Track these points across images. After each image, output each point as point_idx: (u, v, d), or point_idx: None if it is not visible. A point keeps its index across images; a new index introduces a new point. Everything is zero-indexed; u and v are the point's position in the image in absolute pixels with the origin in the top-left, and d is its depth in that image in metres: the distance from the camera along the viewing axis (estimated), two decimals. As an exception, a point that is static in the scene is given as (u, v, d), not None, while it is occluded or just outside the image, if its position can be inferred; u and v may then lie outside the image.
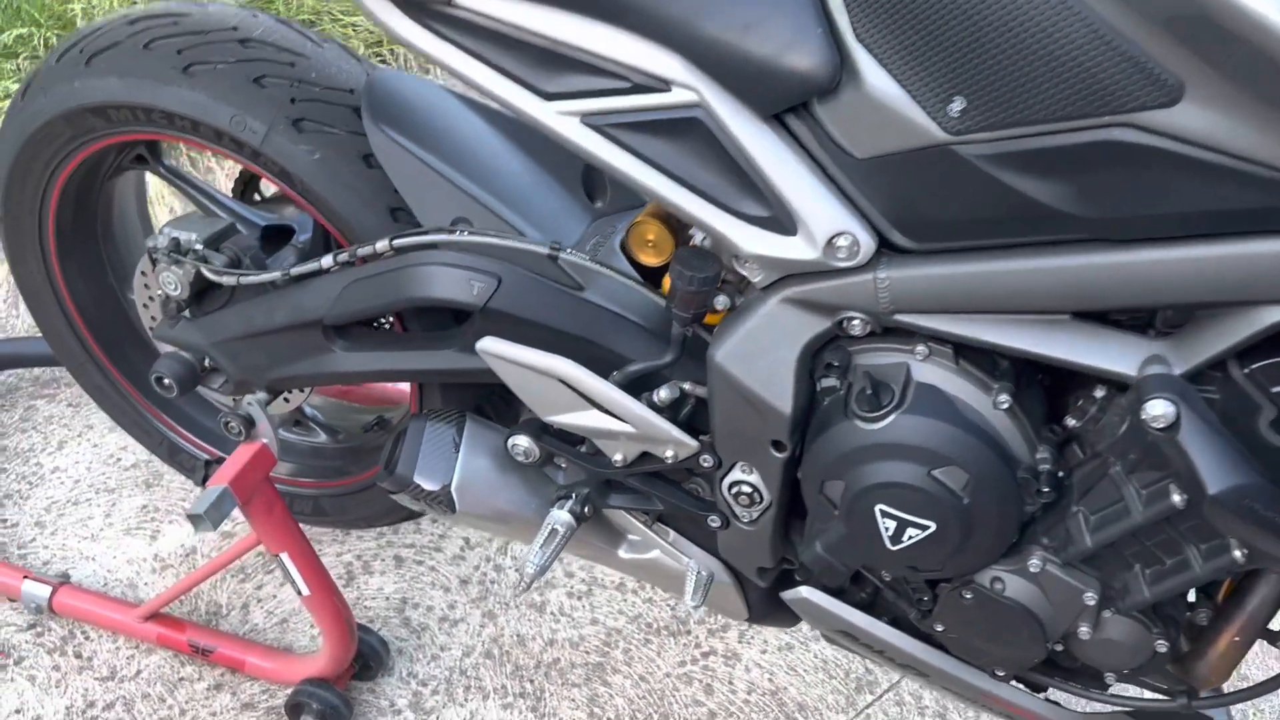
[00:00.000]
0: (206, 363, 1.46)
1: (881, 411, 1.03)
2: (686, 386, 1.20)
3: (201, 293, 1.45)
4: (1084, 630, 1.08)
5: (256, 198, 1.58)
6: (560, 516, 1.28)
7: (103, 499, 1.96)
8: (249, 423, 1.44)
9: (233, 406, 1.45)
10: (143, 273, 1.53)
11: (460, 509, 1.31)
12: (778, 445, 1.11)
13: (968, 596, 1.13)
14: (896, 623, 1.26)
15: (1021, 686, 1.25)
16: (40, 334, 1.76)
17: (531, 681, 1.73)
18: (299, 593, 1.50)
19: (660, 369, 1.19)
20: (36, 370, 2.21)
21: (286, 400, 1.56)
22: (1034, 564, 1.07)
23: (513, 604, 1.84)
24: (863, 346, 1.05)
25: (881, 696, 1.75)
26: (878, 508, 1.06)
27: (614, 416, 1.19)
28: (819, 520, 1.12)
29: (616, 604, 1.85)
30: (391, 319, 1.45)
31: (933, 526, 1.05)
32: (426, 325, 1.39)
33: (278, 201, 1.52)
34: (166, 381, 1.44)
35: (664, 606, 1.84)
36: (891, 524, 1.06)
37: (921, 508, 1.04)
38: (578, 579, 1.88)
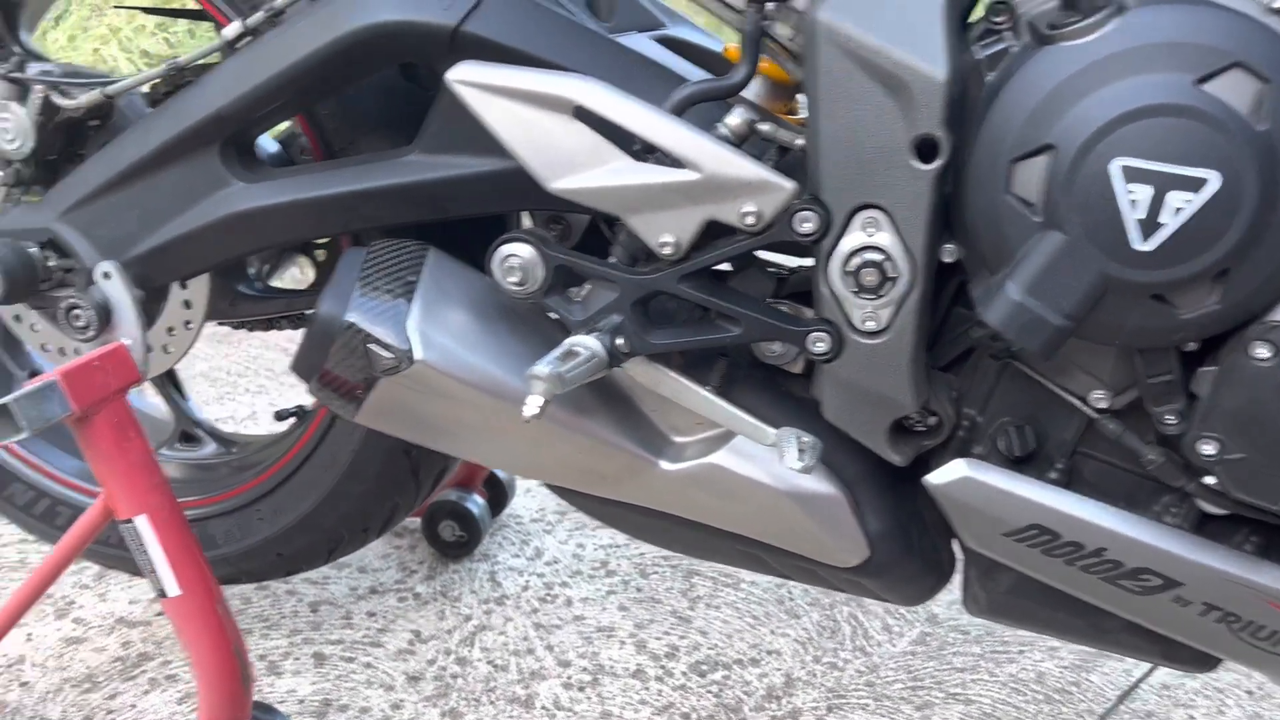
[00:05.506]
0: (50, 260, 1.02)
1: (1100, 15, 0.66)
2: (765, 127, 0.81)
3: (47, 154, 1.04)
4: None
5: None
6: (584, 340, 0.82)
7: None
8: (103, 312, 0.97)
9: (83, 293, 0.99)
10: None
11: (424, 360, 0.85)
12: (926, 147, 0.72)
13: (1263, 356, 0.70)
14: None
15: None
16: None
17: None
18: (160, 593, 0.96)
19: (723, 93, 0.81)
20: None
21: (172, 334, 1.10)
22: None
23: (484, 699, 1.27)
24: None
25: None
26: (1115, 165, 0.66)
27: (658, 163, 0.79)
28: (1008, 241, 0.70)
29: (635, 693, 1.28)
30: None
31: (1213, 180, 0.65)
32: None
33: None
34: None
35: (704, 694, 1.28)
36: (1143, 195, 0.67)
37: (1190, 147, 0.65)
38: (576, 667, 1.32)
